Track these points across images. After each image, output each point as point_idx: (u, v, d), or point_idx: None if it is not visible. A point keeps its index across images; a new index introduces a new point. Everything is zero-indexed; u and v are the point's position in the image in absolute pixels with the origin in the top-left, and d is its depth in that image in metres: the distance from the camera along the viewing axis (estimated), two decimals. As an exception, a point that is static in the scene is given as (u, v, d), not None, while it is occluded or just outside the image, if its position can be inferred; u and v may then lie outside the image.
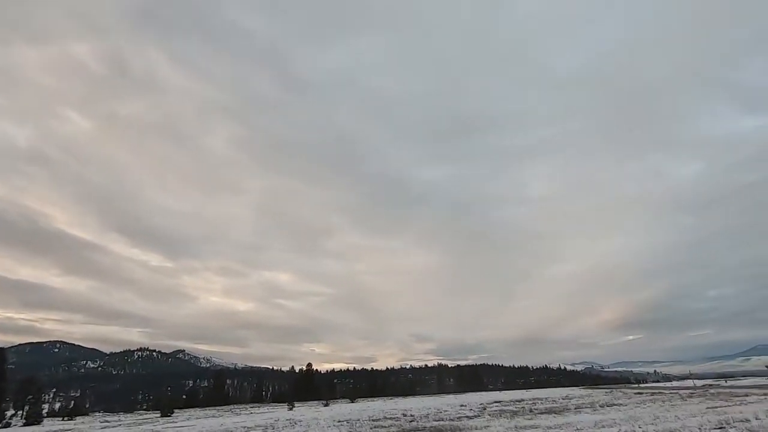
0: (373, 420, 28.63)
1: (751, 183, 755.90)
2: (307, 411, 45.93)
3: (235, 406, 77.22)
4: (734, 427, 14.34)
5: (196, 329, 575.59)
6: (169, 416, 51.33)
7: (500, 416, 26.82)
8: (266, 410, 55.61)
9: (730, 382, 78.15)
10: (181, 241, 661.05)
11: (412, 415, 31.02)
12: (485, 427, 20.84)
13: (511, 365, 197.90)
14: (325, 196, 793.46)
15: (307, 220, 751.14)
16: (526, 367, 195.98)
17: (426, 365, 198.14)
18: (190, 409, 72.37)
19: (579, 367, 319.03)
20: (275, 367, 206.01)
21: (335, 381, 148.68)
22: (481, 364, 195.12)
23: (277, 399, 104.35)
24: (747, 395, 33.37)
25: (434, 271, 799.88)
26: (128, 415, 68.07)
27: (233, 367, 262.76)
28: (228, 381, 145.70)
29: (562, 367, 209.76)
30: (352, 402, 71.90)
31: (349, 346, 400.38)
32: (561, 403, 37.72)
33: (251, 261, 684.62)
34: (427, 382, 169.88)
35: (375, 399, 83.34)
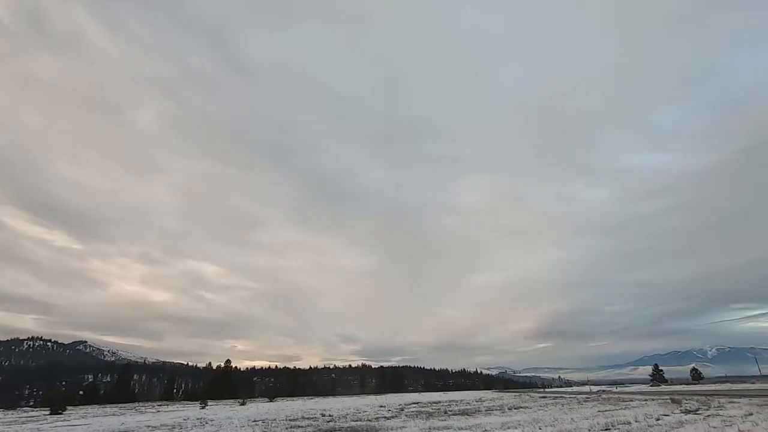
0: (291, 420, 28.05)
1: (647, 213, 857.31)
2: (221, 410, 43.83)
3: (141, 404, 71.57)
4: (617, 428, 16.03)
5: (102, 319, 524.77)
6: (60, 414, 46.09)
7: (416, 417, 27.58)
8: (176, 409, 52.17)
9: (619, 389, 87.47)
10: (93, 222, 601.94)
11: (330, 415, 30.87)
12: (401, 427, 21.30)
13: (432, 368, 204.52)
14: (260, 186, 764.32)
15: (238, 210, 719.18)
16: (446, 370, 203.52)
17: (350, 366, 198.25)
18: (88, 406, 65.89)
19: (494, 372, 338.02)
20: (190, 363, 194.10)
21: (255, 379, 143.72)
22: (404, 366, 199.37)
23: (190, 397, 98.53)
24: (632, 400, 37.59)
25: (367, 273, 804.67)
26: (10, 412, 60.13)
27: (142, 361, 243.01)
28: (135, 376, 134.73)
29: (479, 371, 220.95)
30: (271, 401, 69.93)
31: (274, 343, 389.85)
32: (474, 405, 39.69)
33: (173, 249, 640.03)
34: (350, 382, 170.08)
35: (295, 399, 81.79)
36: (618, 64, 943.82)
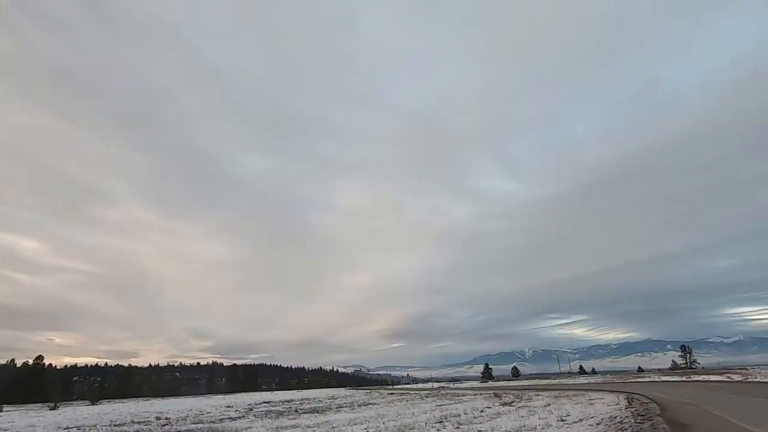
0: (116, 426, 24.55)
1: (494, 232, 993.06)
2: (22, 416, 36.02)
3: None
4: (449, 421, 17.94)
5: None
6: None
7: (265, 417, 26.75)
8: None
9: (456, 385, 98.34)
10: None
11: (167, 419, 27.94)
12: (247, 428, 20.40)
13: (289, 366, 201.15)
14: (108, 152, 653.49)
15: (77, 178, 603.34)
16: (303, 368, 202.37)
17: (198, 363, 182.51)
18: None
19: (349, 370, 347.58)
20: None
21: (75, 379, 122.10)
22: (259, 364, 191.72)
23: (-22, 401, 78.82)
24: (464, 395, 42.59)
25: (231, 264, 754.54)
26: None
27: None
28: None
29: (335, 369, 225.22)
30: (94, 404, 60.19)
31: (106, 337, 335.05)
32: (326, 402, 40.24)
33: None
34: (197, 381, 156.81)
35: (126, 400, 71.92)
36: (489, 93, 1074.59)
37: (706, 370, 72.01)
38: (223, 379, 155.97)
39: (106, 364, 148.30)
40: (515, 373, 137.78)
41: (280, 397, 60.17)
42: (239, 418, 27.22)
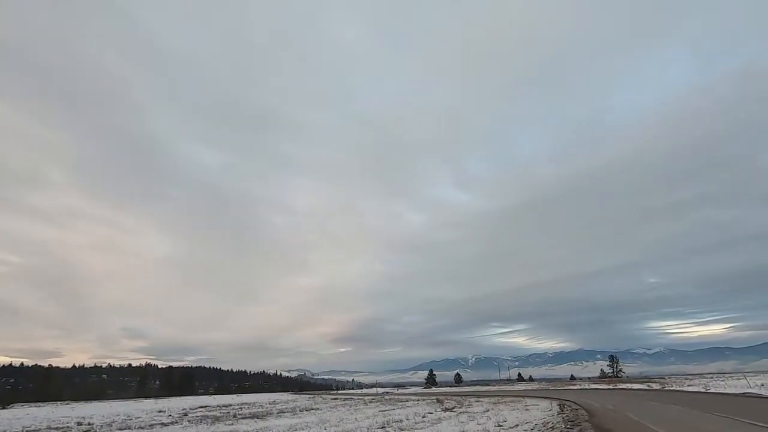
0: None
1: (446, 241, 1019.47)
2: None
3: None
4: (391, 426, 18.02)
5: None
6: None
7: (201, 422, 25.50)
8: None
9: (400, 391, 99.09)
10: None
11: (89, 424, 25.86)
12: (180, 434, 19.34)
13: (230, 369, 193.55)
14: (40, 133, 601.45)
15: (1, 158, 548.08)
16: (245, 371, 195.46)
17: (130, 365, 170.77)
18: None
19: (294, 374, 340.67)
20: None
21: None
22: (197, 367, 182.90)
23: None
24: (408, 401, 43.00)
25: (173, 260, 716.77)
26: None
27: None
28: None
29: (279, 373, 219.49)
30: (4, 408, 54.61)
31: (24, 335, 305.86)
32: (267, 407, 39.08)
33: None
34: (127, 384, 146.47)
35: (44, 404, 65.87)
36: (448, 107, 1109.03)
37: (630, 379, 77.76)
38: (157, 382, 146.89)
39: (22, 364, 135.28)
40: (458, 380, 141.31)
41: (219, 401, 57.74)
42: (172, 423, 25.74)
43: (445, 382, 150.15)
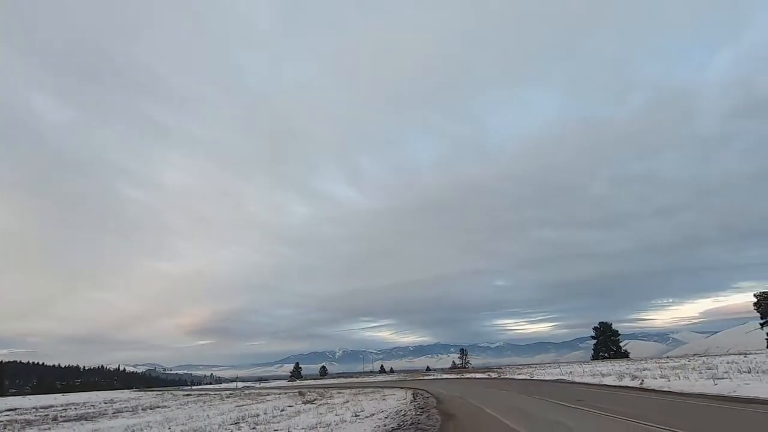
0: None
1: (327, 235, 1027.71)
2: None
3: None
4: (246, 421, 17.22)
5: None
6: None
7: (5, 429, 20.99)
8: None
9: (261, 384, 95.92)
10: None
11: None
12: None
13: (56, 364, 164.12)
14: None
15: None
16: (77, 366, 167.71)
17: None
18: None
19: (141, 369, 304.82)
20: None
21: None
22: (9, 362, 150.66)
23: None
24: (269, 395, 41.77)
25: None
26: None
27: None
28: None
29: (122, 368, 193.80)
30: None
31: None
32: (100, 408, 34.10)
33: None
34: None
35: None
36: (347, 104, 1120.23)
37: (475, 369, 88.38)
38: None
39: None
40: (323, 372, 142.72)
41: (37, 402, 48.50)
42: (-40, 432, 20.67)
43: (310, 375, 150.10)
